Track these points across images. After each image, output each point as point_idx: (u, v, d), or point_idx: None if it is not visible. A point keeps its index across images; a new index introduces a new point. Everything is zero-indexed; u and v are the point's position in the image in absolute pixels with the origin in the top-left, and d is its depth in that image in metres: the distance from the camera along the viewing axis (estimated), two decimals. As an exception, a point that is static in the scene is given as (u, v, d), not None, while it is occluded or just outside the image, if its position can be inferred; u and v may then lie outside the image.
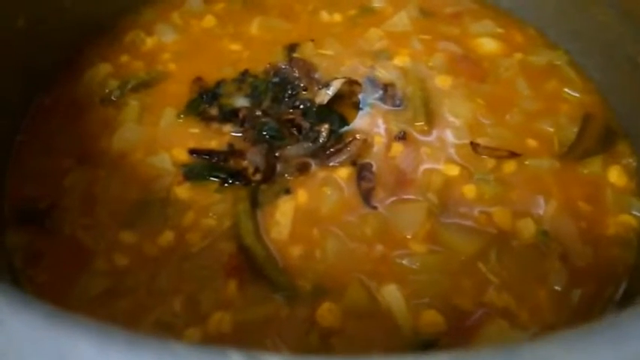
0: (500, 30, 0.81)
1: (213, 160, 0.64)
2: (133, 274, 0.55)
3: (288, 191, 0.62)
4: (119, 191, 0.61)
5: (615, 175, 0.64)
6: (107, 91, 0.70)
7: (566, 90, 0.73)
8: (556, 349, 0.29)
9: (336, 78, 0.70)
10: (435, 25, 0.82)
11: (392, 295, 0.53)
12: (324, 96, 0.67)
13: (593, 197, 0.62)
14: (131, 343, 0.25)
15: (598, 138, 0.68)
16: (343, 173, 0.63)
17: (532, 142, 0.67)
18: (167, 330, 0.51)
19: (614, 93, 0.71)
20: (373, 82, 0.73)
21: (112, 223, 0.58)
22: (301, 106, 0.69)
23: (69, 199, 0.60)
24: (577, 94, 0.73)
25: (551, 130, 0.68)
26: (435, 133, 0.68)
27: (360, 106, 0.70)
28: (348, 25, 0.81)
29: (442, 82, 0.73)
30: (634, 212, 0.61)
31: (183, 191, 0.61)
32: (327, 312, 0.52)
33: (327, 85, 0.68)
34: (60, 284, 0.54)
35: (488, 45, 0.79)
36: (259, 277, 0.54)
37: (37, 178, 0.61)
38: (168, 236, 0.57)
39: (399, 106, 0.70)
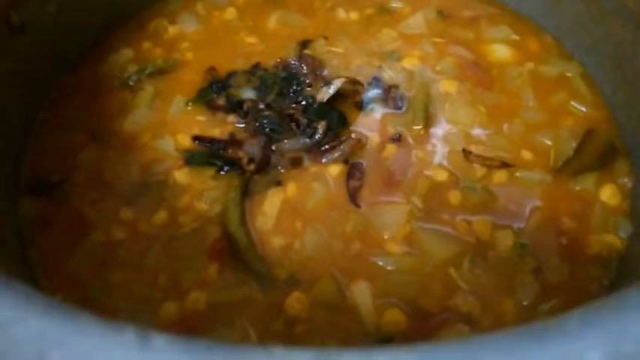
0: (515, 37, 0.81)
1: (214, 148, 0.68)
2: (126, 248, 0.60)
3: (279, 183, 0.65)
4: (124, 170, 0.66)
5: (608, 194, 0.64)
6: (126, 75, 0.75)
7: (572, 103, 0.72)
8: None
9: (338, 77, 0.72)
10: (451, 28, 0.82)
11: (361, 291, 0.56)
12: (325, 94, 0.70)
13: (579, 214, 0.62)
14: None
15: (597, 154, 0.67)
16: (334, 170, 0.66)
17: (527, 154, 0.67)
18: (149, 302, 0.56)
19: (623, 109, 0.70)
20: (378, 82, 0.74)
21: (114, 200, 0.63)
22: (303, 102, 0.71)
23: (79, 174, 0.65)
24: (584, 109, 0.72)
25: (549, 143, 0.68)
26: (430, 137, 0.69)
27: (362, 106, 0.72)
28: (363, 24, 0.83)
29: (447, 86, 0.74)
30: (620, 234, 0.61)
31: (181, 175, 0.65)
32: (295, 301, 0.55)
33: (328, 84, 0.71)
34: (61, 251, 0.59)
35: (500, 52, 0.78)
36: (239, 262, 0.58)
37: (54, 152, 0.67)
38: (162, 216, 0.62)
39: (400, 108, 0.72)
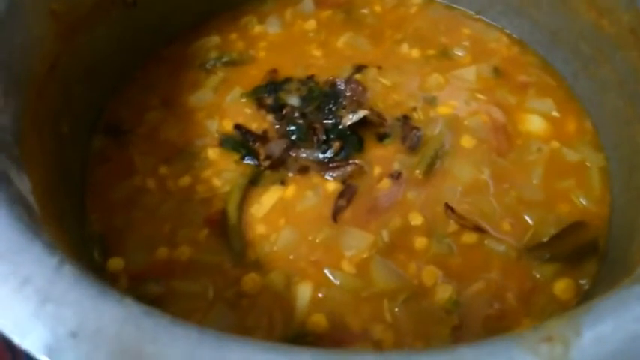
0: (556, 113, 0.83)
1: (246, 139, 0.81)
2: (151, 196, 0.76)
3: (282, 183, 0.77)
4: (175, 136, 0.82)
5: (562, 288, 0.66)
6: (207, 58, 0.91)
7: (577, 194, 0.75)
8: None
9: (365, 108, 0.81)
10: (498, 88, 0.86)
11: (303, 291, 0.67)
12: (348, 119, 0.80)
13: (524, 295, 0.66)
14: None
15: (574, 248, 0.70)
16: (331, 186, 0.76)
17: (506, 226, 0.72)
18: (150, 241, 0.72)
19: (620, 212, 0.71)
20: (405, 121, 0.82)
21: (158, 157, 0.80)
22: (332, 121, 0.82)
23: (142, 129, 0.83)
24: (585, 202, 0.74)
25: (531, 223, 0.72)
26: (425, 184, 0.76)
27: (382, 138, 0.81)
28: (419, 63, 0.90)
29: (465, 142, 0.79)
30: (553, 325, 0.64)
31: (213, 153, 0.80)
32: (250, 280, 0.68)
33: (355, 111, 0.80)
34: (107, 184, 0.77)
35: (534, 124, 0.82)
36: (224, 235, 0.72)
37: (130, 106, 0.85)
38: (186, 181, 0.77)
39: (414, 149, 0.79)
